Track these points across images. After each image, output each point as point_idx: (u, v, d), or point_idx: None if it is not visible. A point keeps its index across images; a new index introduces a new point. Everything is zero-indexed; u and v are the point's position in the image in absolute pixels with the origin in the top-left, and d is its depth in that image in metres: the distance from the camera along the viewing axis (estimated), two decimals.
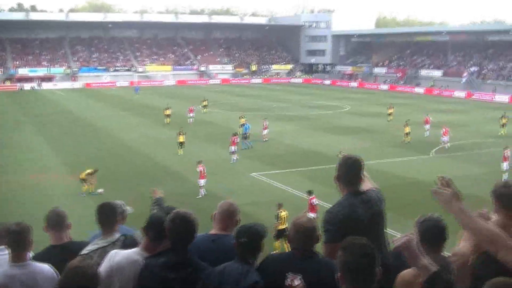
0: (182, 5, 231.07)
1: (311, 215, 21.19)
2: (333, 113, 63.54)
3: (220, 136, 43.98)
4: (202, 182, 28.33)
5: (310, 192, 22.80)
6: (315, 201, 22.35)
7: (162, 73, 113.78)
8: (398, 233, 19.10)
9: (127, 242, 5.14)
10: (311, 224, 4.56)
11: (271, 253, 5.28)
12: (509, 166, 32.05)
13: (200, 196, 27.87)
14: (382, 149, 41.18)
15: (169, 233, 4.60)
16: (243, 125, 43.37)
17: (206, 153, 38.16)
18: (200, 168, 28.49)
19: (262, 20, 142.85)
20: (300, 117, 59.68)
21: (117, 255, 4.80)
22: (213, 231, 5.15)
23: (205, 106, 62.61)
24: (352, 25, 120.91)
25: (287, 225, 19.22)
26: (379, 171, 32.56)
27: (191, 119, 53.71)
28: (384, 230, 5.20)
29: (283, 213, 20.71)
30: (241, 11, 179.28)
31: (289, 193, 28.71)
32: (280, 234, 19.74)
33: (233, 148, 36.43)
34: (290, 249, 4.69)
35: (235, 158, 36.25)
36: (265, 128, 44.49)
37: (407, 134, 43.41)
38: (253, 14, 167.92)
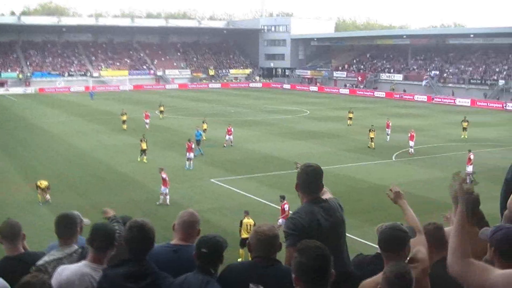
0: (138, 9, 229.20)
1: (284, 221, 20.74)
2: (293, 118, 63.69)
3: (177, 142, 43.58)
4: (166, 189, 27.63)
5: (283, 197, 22.85)
6: (287, 206, 22.30)
7: (118, 78, 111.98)
8: (357, 238, 18.84)
9: (85, 254, 4.96)
10: (273, 232, 4.50)
11: (237, 261, 5.17)
12: (472, 168, 32.16)
13: (160, 202, 27.34)
14: (343, 153, 41.28)
15: (127, 243, 4.56)
16: (205, 130, 43.18)
17: (164, 159, 37.76)
18: (163, 175, 27.80)
19: (220, 24, 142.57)
20: (259, 122, 59.58)
21: (65, 271, 4.66)
22: (174, 241, 5.04)
23: (161, 112, 61.69)
24: (312, 28, 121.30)
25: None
26: (340, 175, 32.82)
27: (147, 125, 52.74)
28: (345, 238, 5.22)
29: (246, 221, 20.32)
30: (199, 15, 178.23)
31: (249, 199, 28.49)
32: (243, 242, 19.35)
33: (189, 154, 35.92)
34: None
35: (191, 166, 35.64)
36: (230, 134, 43.74)
37: (371, 139, 43.12)
38: (211, 18, 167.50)
